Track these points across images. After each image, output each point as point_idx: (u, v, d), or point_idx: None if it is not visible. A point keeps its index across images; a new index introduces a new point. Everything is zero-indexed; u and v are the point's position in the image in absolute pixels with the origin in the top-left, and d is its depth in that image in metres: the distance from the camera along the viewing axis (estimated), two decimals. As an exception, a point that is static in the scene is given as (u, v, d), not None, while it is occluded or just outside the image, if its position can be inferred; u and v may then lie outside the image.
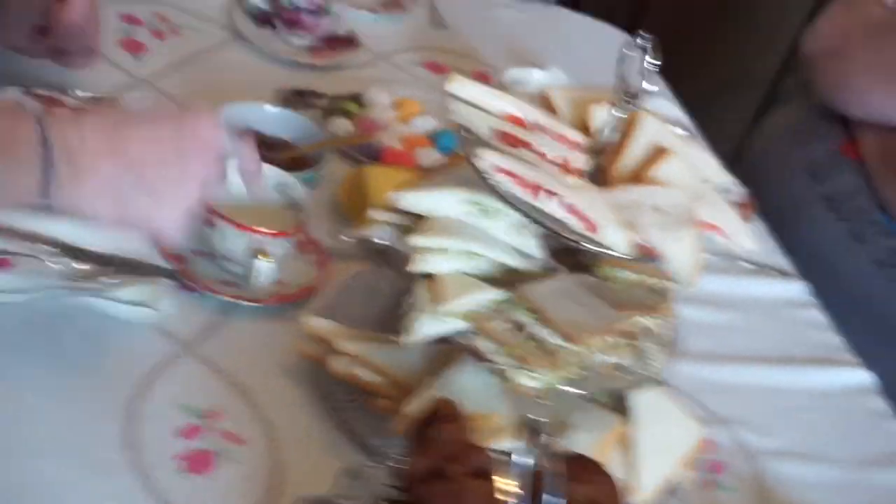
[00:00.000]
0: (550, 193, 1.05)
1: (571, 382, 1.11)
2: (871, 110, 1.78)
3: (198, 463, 1.13)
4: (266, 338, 1.29)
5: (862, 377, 1.53)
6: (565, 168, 1.07)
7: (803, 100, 1.94)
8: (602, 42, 2.01)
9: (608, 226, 1.05)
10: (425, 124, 1.67)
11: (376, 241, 1.42)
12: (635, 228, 1.06)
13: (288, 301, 1.32)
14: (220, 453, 1.14)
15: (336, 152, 1.56)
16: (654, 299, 1.18)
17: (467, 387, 1.15)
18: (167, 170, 1.04)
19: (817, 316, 1.62)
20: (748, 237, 1.13)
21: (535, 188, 1.06)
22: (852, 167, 1.79)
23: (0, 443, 1.08)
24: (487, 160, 1.07)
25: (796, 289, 1.66)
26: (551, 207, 1.06)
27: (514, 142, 1.09)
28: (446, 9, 2.00)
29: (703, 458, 1.30)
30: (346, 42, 1.81)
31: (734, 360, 1.48)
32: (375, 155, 1.58)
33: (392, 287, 1.37)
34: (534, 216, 1.07)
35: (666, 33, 1.19)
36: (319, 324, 1.23)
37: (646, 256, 1.07)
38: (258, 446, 1.17)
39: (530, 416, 0.85)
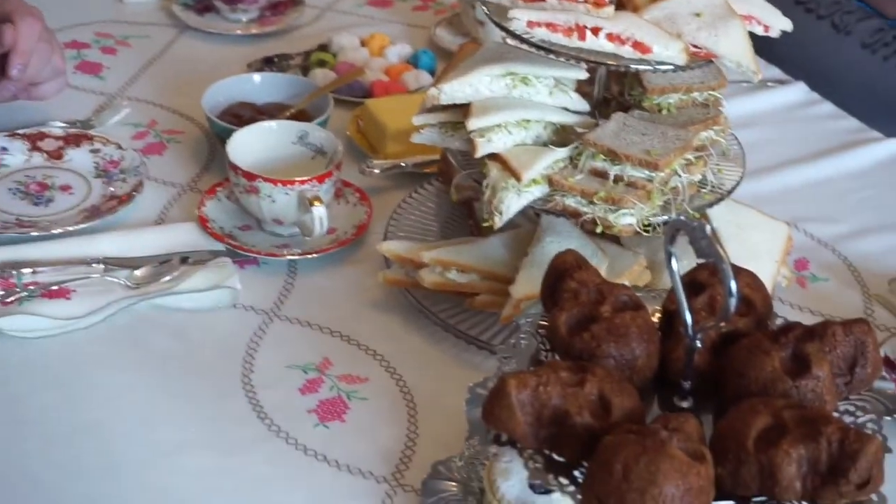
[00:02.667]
0: (594, 30, 1.05)
1: (664, 210, 1.11)
2: None
3: (332, 411, 1.12)
4: (340, 283, 1.27)
5: (893, 146, 1.57)
6: (598, 3, 1.07)
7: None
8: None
9: (658, 42, 1.06)
10: (400, 52, 1.66)
11: (402, 164, 1.43)
12: (683, 37, 1.07)
13: (346, 244, 1.30)
14: (348, 395, 1.13)
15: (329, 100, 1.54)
16: (708, 112, 1.19)
17: (560, 254, 1.15)
18: None
19: (829, 107, 1.65)
20: (781, 18, 1.14)
21: (578, 29, 1.06)
22: None
23: (147, 446, 1.06)
24: (521, 18, 1.06)
25: (800, 90, 1.68)
26: (599, 43, 1.06)
27: (537, -4, 1.09)
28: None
29: (788, 258, 1.32)
30: (288, 4, 1.79)
31: (775, 168, 1.51)
32: (366, 92, 1.57)
33: (440, 199, 1.37)
34: (583, 57, 1.06)
35: None
36: (399, 246, 1.22)
37: (703, 60, 1.08)
38: (380, 379, 1.16)
39: (682, 219, 0.85)
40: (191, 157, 1.46)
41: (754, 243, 1.24)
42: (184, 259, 1.26)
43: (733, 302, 0.85)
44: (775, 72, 1.72)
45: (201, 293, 1.22)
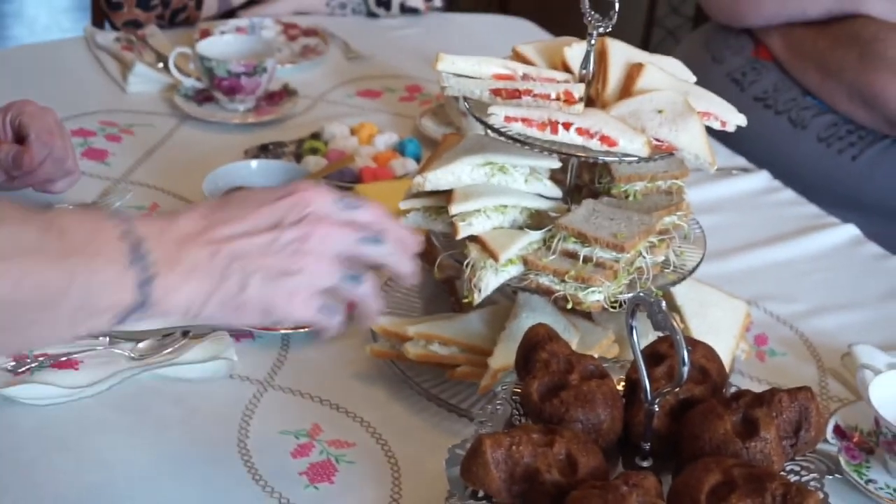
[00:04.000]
0: (566, 125, 1.16)
1: (630, 288, 1.21)
2: (765, 15, 1.95)
3: (321, 473, 1.20)
4: (330, 355, 1.36)
5: (849, 231, 1.68)
6: (569, 101, 1.18)
7: (705, 24, 2.11)
8: (500, 27, 2.23)
9: (623, 136, 1.17)
10: (387, 140, 1.77)
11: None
12: (646, 132, 1.18)
13: (337, 319, 1.39)
14: (336, 458, 1.21)
15: (320, 185, 1.64)
16: (671, 199, 1.29)
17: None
18: (281, 247, 0.97)
19: (790, 194, 1.76)
20: (737, 115, 1.25)
21: (551, 124, 1.16)
22: (770, 67, 1.96)
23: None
24: (499, 114, 1.17)
25: (763, 178, 1.80)
26: (570, 137, 1.17)
27: (514, 94, 1.20)
28: (357, 42, 2.12)
29: (747, 333, 1.41)
30: (283, 94, 1.90)
31: (739, 251, 1.61)
32: (355, 178, 1.67)
33: (424, 278, 1.46)
34: (555, 149, 1.17)
35: None
36: (386, 321, 1.31)
37: (664, 153, 1.18)
38: (366, 444, 1.24)
39: (641, 295, 0.95)
40: (191, 238, 1.55)
41: (715, 319, 1.34)
42: (184, 333, 1.34)
43: (685, 370, 0.94)
44: (740, 161, 1.84)
45: (200, 364, 1.31)
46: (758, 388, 1.34)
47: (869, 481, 1.21)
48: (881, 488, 1.21)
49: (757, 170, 1.82)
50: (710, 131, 1.30)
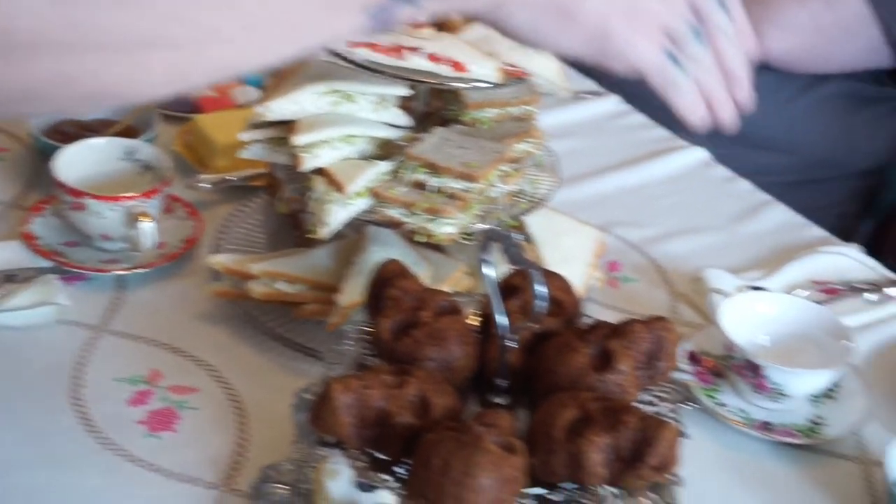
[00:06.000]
0: (413, 50, 1.11)
1: (482, 218, 1.17)
2: None
3: (162, 421, 1.14)
4: (170, 297, 1.29)
5: (698, 154, 1.67)
6: (417, 24, 1.12)
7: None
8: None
9: (474, 62, 1.12)
10: (226, 66, 1.68)
11: (231, 178, 1.45)
12: (497, 57, 1.13)
13: (176, 258, 1.32)
14: (178, 405, 1.15)
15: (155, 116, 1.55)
16: (523, 126, 1.25)
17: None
18: None
19: (640, 118, 1.75)
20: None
21: (397, 49, 1.11)
22: None
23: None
24: (341, 38, 1.11)
25: (613, 102, 1.78)
26: (418, 62, 1.11)
27: (357, 17, 1.13)
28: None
29: (600, 261, 1.40)
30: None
31: (590, 177, 1.59)
32: (194, 108, 1.58)
33: (268, 212, 1.40)
34: (403, 75, 1.12)
35: None
36: (228, 259, 1.24)
37: (515, 79, 1.14)
38: (210, 389, 1.18)
39: (493, 226, 0.91)
40: (14, 175, 1.45)
41: (568, 248, 1.32)
42: (9, 277, 1.25)
43: (541, 303, 0.91)
44: (590, 84, 1.81)
45: (27, 311, 1.22)
46: (611, 316, 1.32)
47: (720, 405, 1.22)
48: (732, 411, 1.21)
49: (608, 93, 1.80)
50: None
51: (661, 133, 1.72)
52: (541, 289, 0.91)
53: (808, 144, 1.88)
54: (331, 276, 1.24)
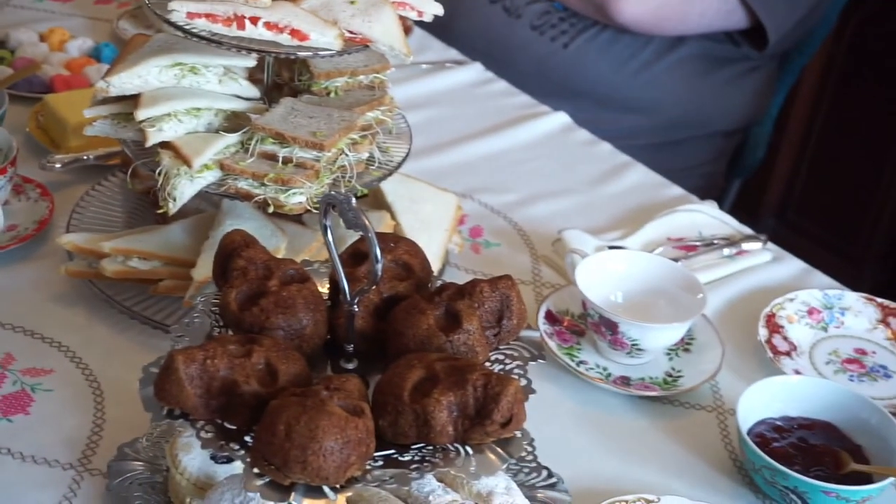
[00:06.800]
0: (252, 20, 1.10)
1: (333, 187, 1.17)
2: None
3: (15, 405, 1.12)
4: (22, 279, 1.27)
5: (560, 118, 1.69)
6: (256, -8, 1.11)
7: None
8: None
9: (315, 30, 1.11)
10: (81, 46, 1.65)
11: (85, 157, 1.43)
12: (339, 25, 1.12)
13: (27, 239, 1.30)
14: (32, 387, 1.13)
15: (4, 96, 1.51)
16: (374, 94, 1.25)
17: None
18: None
19: (503, 85, 1.76)
20: (432, 4, 1.22)
21: (237, 19, 1.09)
22: None
23: None
24: (180, 10, 1.09)
25: (476, 70, 1.79)
26: (259, 32, 1.10)
27: (196, -13, 1.12)
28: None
29: (462, 228, 1.41)
30: (-38, -1, 1.74)
31: (453, 144, 1.60)
32: (46, 87, 1.55)
33: (124, 191, 1.38)
34: (245, 46, 1.11)
35: None
36: (80, 238, 1.22)
37: (357, 46, 1.14)
38: (65, 370, 1.16)
39: (333, 193, 0.90)
40: None
41: (426, 214, 1.32)
42: None
43: (379, 267, 0.91)
44: (453, 53, 1.82)
45: None
46: (472, 280, 1.34)
47: (580, 363, 1.24)
48: (591, 368, 1.24)
49: (470, 62, 1.80)
50: (430, 25, 1.25)
51: (524, 99, 1.74)
52: (377, 252, 0.91)
53: (669, 105, 1.92)
54: (186, 251, 1.23)
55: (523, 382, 0.96)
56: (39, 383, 1.14)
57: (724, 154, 2.08)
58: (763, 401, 1.16)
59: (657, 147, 1.91)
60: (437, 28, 1.83)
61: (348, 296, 0.96)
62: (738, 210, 1.84)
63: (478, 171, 1.56)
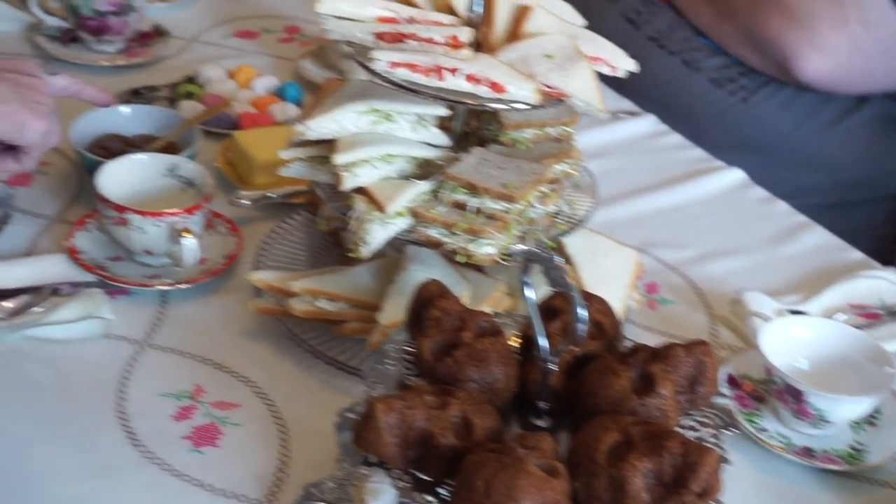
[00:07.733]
0: (452, 71, 1.11)
1: (521, 239, 1.18)
2: None
3: (205, 437, 1.15)
4: (212, 312, 1.30)
5: (735, 175, 1.67)
6: (455, 45, 1.13)
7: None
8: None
9: (512, 83, 1.12)
10: (267, 84, 1.70)
11: (271, 195, 1.47)
12: (535, 78, 1.14)
13: (218, 274, 1.33)
14: (221, 421, 1.16)
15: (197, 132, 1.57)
16: (561, 146, 1.26)
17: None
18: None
19: (677, 138, 1.75)
20: (627, 60, 1.22)
21: (437, 70, 1.11)
22: (664, 7, 1.93)
23: (22, 476, 1.07)
24: (383, 59, 1.12)
25: (650, 122, 1.78)
26: (457, 83, 1.12)
27: (398, 38, 1.14)
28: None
29: (638, 282, 1.40)
30: (154, 35, 1.81)
31: (627, 197, 1.59)
32: (234, 124, 1.60)
33: (309, 229, 1.41)
34: (443, 96, 1.12)
35: None
36: (269, 276, 1.25)
37: (553, 100, 1.15)
38: (253, 405, 1.19)
39: (532, 248, 0.91)
40: (59, 189, 1.47)
41: (606, 269, 1.32)
42: (54, 290, 1.27)
43: (582, 327, 0.92)
44: (627, 104, 1.82)
45: (72, 324, 1.23)
46: (650, 338, 1.33)
47: (761, 430, 1.21)
48: (772, 437, 1.21)
49: (644, 113, 1.80)
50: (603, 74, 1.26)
51: (698, 153, 1.72)
52: (582, 312, 0.92)
53: (848, 166, 1.88)
54: (371, 294, 1.25)
55: (718, 453, 0.95)
56: (228, 417, 1.17)
57: (897, 217, 2.03)
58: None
59: (830, 207, 1.87)
60: (610, 77, 1.83)
61: (545, 353, 0.97)
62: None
63: (653, 225, 1.55)
